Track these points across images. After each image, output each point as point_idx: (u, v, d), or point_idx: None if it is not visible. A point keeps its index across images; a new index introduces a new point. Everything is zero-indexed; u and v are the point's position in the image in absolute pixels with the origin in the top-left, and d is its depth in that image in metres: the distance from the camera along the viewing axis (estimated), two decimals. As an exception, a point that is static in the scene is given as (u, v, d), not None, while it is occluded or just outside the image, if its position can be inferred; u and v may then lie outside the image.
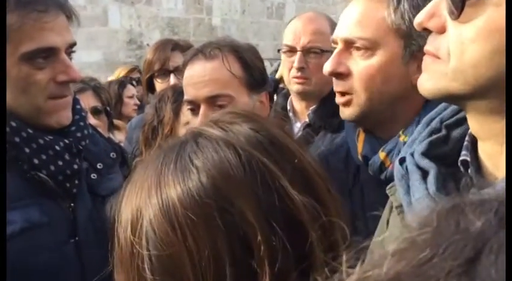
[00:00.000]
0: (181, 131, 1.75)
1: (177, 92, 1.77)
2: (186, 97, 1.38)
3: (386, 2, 1.13)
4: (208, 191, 0.60)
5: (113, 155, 1.39)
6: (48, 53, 1.15)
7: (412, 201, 0.77)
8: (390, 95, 1.14)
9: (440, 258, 0.29)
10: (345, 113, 1.21)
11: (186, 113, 1.73)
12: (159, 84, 2.25)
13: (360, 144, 1.24)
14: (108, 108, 2.14)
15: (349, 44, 1.17)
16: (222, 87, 1.32)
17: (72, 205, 1.24)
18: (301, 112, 1.86)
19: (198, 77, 1.33)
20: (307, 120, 1.80)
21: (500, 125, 0.69)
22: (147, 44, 9.03)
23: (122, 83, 3.75)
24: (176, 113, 1.74)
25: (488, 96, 0.68)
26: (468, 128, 0.79)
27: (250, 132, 0.65)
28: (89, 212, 1.26)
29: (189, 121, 1.72)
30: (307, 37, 1.79)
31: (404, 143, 1.04)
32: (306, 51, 1.79)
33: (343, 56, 1.18)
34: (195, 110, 1.36)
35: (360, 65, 1.16)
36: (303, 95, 1.85)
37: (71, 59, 1.21)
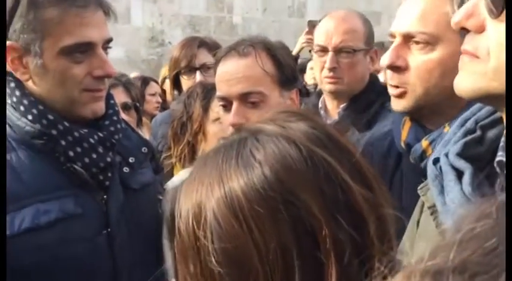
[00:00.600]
0: (210, 127, 1.76)
1: (207, 88, 1.78)
2: (218, 93, 1.39)
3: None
4: (272, 184, 0.61)
5: (144, 149, 1.41)
6: (86, 48, 1.18)
7: (447, 201, 0.77)
8: (446, 90, 1.11)
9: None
10: (399, 105, 1.21)
11: (215, 109, 1.75)
12: (185, 81, 2.27)
13: (405, 132, 1.24)
14: (137, 104, 2.17)
15: (408, 38, 1.18)
16: (254, 84, 1.33)
17: (105, 197, 1.27)
18: (332, 110, 1.87)
19: (232, 73, 1.35)
20: (337, 118, 1.81)
21: None
22: (169, 42, 9.09)
23: (144, 80, 3.80)
24: (205, 109, 1.75)
25: None
26: (503, 129, 0.79)
27: (308, 129, 0.66)
28: (121, 204, 1.29)
29: (218, 118, 1.73)
30: (339, 37, 1.79)
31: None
32: (338, 51, 1.80)
33: (402, 49, 1.18)
34: (227, 107, 1.37)
35: (419, 60, 1.17)
36: (336, 95, 1.86)
37: (107, 54, 1.24)
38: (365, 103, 1.80)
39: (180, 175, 1.58)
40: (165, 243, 1.45)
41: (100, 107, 1.25)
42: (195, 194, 0.65)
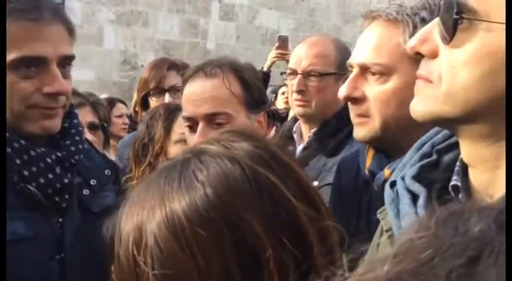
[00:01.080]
0: (172, 149, 1.74)
1: (169, 110, 1.77)
2: (184, 114, 1.38)
3: (401, 28, 1.16)
4: (215, 205, 0.59)
5: (107, 172, 1.38)
6: (37, 63, 1.14)
7: (402, 224, 0.77)
8: (405, 120, 1.11)
9: (441, 258, 0.29)
10: (358, 134, 1.23)
11: (177, 131, 1.73)
12: (154, 103, 2.25)
13: (369, 159, 1.25)
14: (105, 124, 2.13)
15: (364, 69, 1.20)
16: (220, 105, 1.33)
17: (60, 220, 1.22)
18: (305, 134, 1.89)
19: (198, 94, 1.34)
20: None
21: (489, 151, 0.69)
22: (142, 65, 9.07)
23: (110, 101, 3.75)
24: (167, 131, 1.74)
25: (478, 121, 0.69)
26: (459, 153, 0.79)
27: (251, 149, 0.65)
28: (77, 228, 1.24)
29: (180, 140, 1.72)
30: (307, 60, 1.82)
31: None
32: (306, 74, 1.82)
33: (359, 80, 1.20)
34: (193, 127, 1.36)
35: (375, 90, 1.18)
36: (305, 118, 1.87)
37: (66, 71, 1.20)
38: (334, 128, 1.81)
39: None
40: None
41: (52, 124, 1.20)
42: (136, 218, 0.62)
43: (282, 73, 1.97)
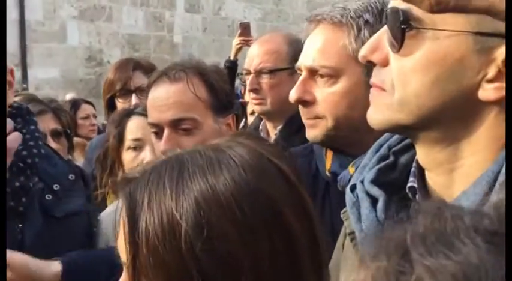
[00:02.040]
0: (125, 155, 1.72)
1: (122, 116, 1.75)
2: (149, 120, 1.35)
3: (346, 31, 1.16)
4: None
5: (71, 176, 1.37)
6: None
7: (363, 228, 0.78)
8: (356, 120, 1.13)
9: None
10: (310, 135, 1.22)
11: (128, 137, 1.71)
12: (120, 104, 2.21)
13: (329, 160, 1.25)
14: (68, 130, 2.08)
15: (312, 72, 1.20)
16: (186, 111, 1.30)
17: (20, 225, 1.22)
18: (271, 132, 1.88)
19: (162, 99, 1.31)
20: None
21: (443, 155, 0.71)
22: (107, 61, 8.90)
23: (74, 104, 3.66)
24: (119, 138, 1.71)
25: (432, 126, 0.70)
26: (415, 154, 0.81)
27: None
28: (38, 233, 1.24)
29: (132, 146, 1.69)
30: (258, 58, 1.82)
31: None
32: (258, 72, 1.82)
33: (308, 83, 1.20)
34: (158, 134, 1.33)
35: (324, 92, 1.18)
36: (265, 116, 1.88)
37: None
38: (299, 124, 1.81)
39: (115, 205, 1.52)
40: None
41: None
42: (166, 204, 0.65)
43: (237, 74, 1.96)
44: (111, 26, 8.80)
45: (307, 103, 1.20)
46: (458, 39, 0.66)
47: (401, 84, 0.69)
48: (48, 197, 1.29)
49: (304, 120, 1.24)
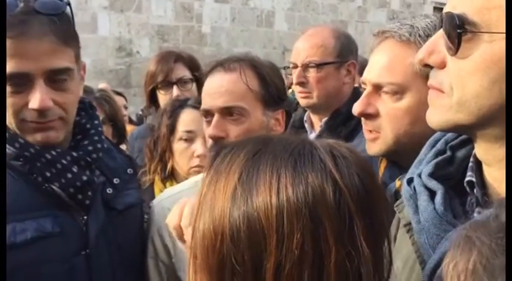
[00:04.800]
0: (176, 146, 1.77)
1: (174, 107, 1.80)
2: (202, 106, 1.41)
3: (414, 49, 1.15)
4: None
5: (130, 171, 1.41)
6: (22, 78, 1.14)
7: (421, 220, 0.81)
8: (418, 136, 1.14)
9: None
10: (372, 149, 1.26)
11: (180, 129, 1.76)
12: (162, 96, 2.26)
13: (381, 171, 1.29)
14: (112, 120, 2.12)
15: (378, 88, 1.23)
16: (236, 99, 1.34)
17: (85, 217, 1.26)
18: (316, 123, 1.92)
19: (215, 87, 1.36)
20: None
21: (503, 151, 0.73)
22: (137, 52, 9.02)
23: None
24: (171, 129, 1.77)
25: (492, 124, 0.73)
26: (472, 149, 0.83)
27: (358, 184, 0.68)
28: (102, 225, 1.28)
29: (182, 137, 1.75)
30: (305, 52, 1.85)
31: None
32: (305, 66, 1.85)
33: (372, 97, 1.23)
34: (209, 119, 1.38)
35: (388, 107, 1.21)
36: (311, 109, 1.91)
37: (60, 84, 1.18)
38: (344, 117, 1.84)
39: (167, 193, 1.57)
40: (150, 263, 1.45)
41: (45, 137, 1.21)
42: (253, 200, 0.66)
43: (284, 67, 1.99)
44: (140, 17, 8.90)
45: (370, 116, 1.23)
46: None
47: (460, 85, 0.72)
48: (109, 190, 1.32)
49: (365, 133, 1.27)
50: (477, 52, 0.70)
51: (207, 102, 1.38)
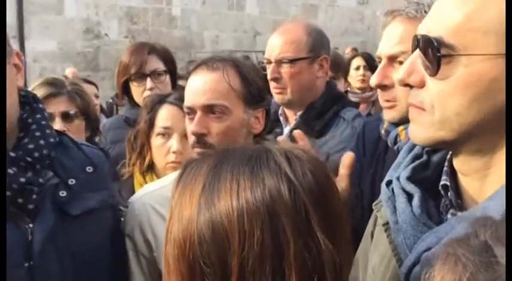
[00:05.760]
0: (154, 141, 1.79)
1: (154, 102, 1.81)
2: (185, 103, 1.44)
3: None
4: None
5: (89, 169, 1.28)
6: None
7: (399, 221, 0.86)
8: None
9: None
10: (388, 115, 1.36)
11: (158, 124, 1.78)
12: (135, 88, 2.25)
13: (387, 122, 1.41)
14: (88, 112, 2.07)
15: (392, 59, 1.33)
16: (219, 98, 1.38)
17: (30, 225, 1.14)
18: (290, 117, 1.96)
19: (199, 85, 1.40)
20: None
21: (480, 163, 0.79)
22: (105, 34, 8.83)
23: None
24: (150, 123, 1.79)
25: (472, 139, 0.77)
26: (446, 153, 0.89)
27: (311, 180, 0.74)
28: (52, 233, 1.16)
29: (160, 133, 1.77)
30: (278, 49, 1.88)
31: None
32: (278, 62, 1.88)
33: (388, 70, 1.33)
34: (191, 116, 1.41)
35: None
36: (285, 105, 1.94)
37: None
38: (318, 110, 1.89)
39: (147, 188, 1.58)
40: (131, 256, 1.47)
41: None
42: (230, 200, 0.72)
43: (259, 63, 2.01)
44: (109, -2, 8.69)
45: (386, 87, 1.33)
46: (490, 61, 0.73)
47: (441, 105, 0.76)
48: (63, 193, 1.19)
49: (381, 103, 1.37)
50: (456, 74, 0.74)
51: (190, 100, 1.42)
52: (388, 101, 1.34)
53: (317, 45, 1.93)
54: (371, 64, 3.69)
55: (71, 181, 1.23)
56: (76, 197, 1.22)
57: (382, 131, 1.42)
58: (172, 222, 0.76)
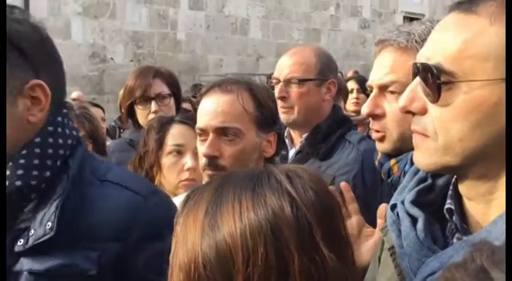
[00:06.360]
0: (165, 160, 1.79)
1: (162, 122, 1.83)
2: (197, 125, 1.43)
3: (413, 54, 1.23)
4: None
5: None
6: None
7: (404, 245, 0.86)
8: None
9: None
10: (380, 147, 1.36)
11: (168, 143, 1.79)
12: (140, 111, 2.28)
13: (380, 153, 1.40)
14: (96, 136, 2.08)
15: (383, 89, 1.32)
16: (232, 120, 1.38)
17: None
18: (296, 139, 1.98)
19: (212, 107, 1.40)
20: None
21: (485, 187, 0.79)
22: (111, 58, 8.94)
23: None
24: (160, 143, 1.80)
25: (476, 164, 0.78)
26: (451, 177, 0.89)
27: (313, 197, 0.75)
28: None
29: (172, 151, 1.78)
30: (288, 69, 1.92)
31: None
32: (287, 81, 1.91)
33: (379, 99, 1.32)
34: (203, 138, 1.41)
35: (394, 106, 1.28)
36: (291, 125, 1.96)
37: None
38: (324, 133, 1.90)
39: None
40: None
41: None
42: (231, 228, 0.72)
43: (267, 82, 2.04)
44: (114, 23, 8.84)
45: (377, 117, 1.32)
46: (490, 86, 0.74)
47: (444, 131, 0.77)
48: (20, 242, 1.01)
49: (373, 133, 1.36)
50: (457, 100, 0.75)
51: (203, 121, 1.41)
52: (378, 131, 1.33)
53: (325, 68, 1.97)
54: (365, 87, 3.74)
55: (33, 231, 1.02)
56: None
57: (376, 163, 1.41)
58: (177, 247, 0.76)
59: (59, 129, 1.07)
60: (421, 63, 0.78)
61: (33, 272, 1.03)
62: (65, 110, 1.11)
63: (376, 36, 1.45)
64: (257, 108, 1.41)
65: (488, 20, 0.75)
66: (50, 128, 1.06)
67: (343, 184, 1.32)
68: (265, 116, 1.42)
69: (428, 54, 0.79)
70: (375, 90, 1.33)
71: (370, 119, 1.35)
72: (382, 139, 1.33)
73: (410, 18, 11.63)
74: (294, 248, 0.70)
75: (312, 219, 0.73)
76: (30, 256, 1.03)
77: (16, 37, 1.02)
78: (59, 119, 1.09)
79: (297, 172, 0.78)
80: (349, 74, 6.66)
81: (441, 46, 0.77)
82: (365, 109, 1.33)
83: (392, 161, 1.32)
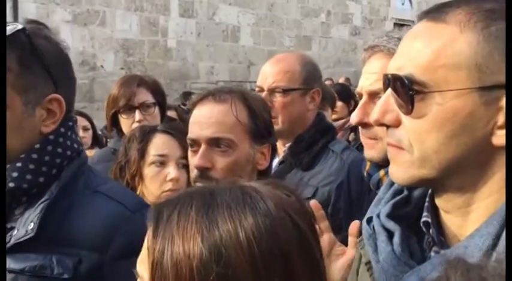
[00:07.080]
0: (147, 170, 1.76)
1: (144, 132, 1.79)
2: (189, 135, 1.38)
3: None
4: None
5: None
6: None
7: (380, 260, 0.84)
8: None
9: None
10: (369, 154, 1.31)
11: (151, 153, 1.75)
12: (124, 120, 2.24)
13: (369, 163, 1.37)
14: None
15: (373, 96, 1.27)
16: (225, 131, 1.34)
17: None
18: (280, 149, 1.93)
19: (205, 117, 1.35)
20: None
21: (462, 199, 0.77)
22: (101, 66, 8.91)
23: None
24: (142, 153, 1.76)
25: (453, 176, 0.75)
26: (427, 189, 0.86)
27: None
28: None
29: (154, 161, 1.74)
30: (272, 78, 1.88)
31: None
32: (271, 91, 1.87)
33: (368, 106, 1.26)
34: (195, 149, 1.36)
35: None
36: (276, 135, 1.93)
37: None
38: (307, 143, 1.87)
39: None
40: None
41: None
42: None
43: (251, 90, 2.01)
44: (104, 31, 8.82)
45: (367, 125, 1.27)
46: (464, 96, 0.71)
47: (419, 143, 0.74)
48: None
49: (363, 140, 1.32)
50: (431, 111, 0.73)
51: (194, 132, 1.36)
52: (370, 138, 1.29)
53: (310, 77, 1.93)
54: (343, 95, 3.84)
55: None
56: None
57: (365, 173, 1.37)
58: (163, 275, 0.71)
59: (60, 139, 1.13)
60: (392, 74, 0.76)
61: (11, 271, 1.07)
62: (70, 123, 1.16)
63: (368, 42, 1.42)
64: (251, 119, 1.36)
65: (458, 28, 0.73)
66: (51, 137, 1.12)
67: (312, 203, 1.24)
68: (259, 127, 1.37)
69: (398, 65, 0.77)
70: (364, 97, 1.29)
71: (360, 127, 1.31)
72: (372, 147, 1.29)
73: (400, 25, 11.70)
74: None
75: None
76: (10, 254, 1.07)
77: (43, 52, 1.09)
78: (62, 130, 1.14)
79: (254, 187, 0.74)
80: (340, 80, 6.67)
81: (411, 56, 0.75)
82: (354, 118, 1.29)
83: (382, 172, 1.28)
